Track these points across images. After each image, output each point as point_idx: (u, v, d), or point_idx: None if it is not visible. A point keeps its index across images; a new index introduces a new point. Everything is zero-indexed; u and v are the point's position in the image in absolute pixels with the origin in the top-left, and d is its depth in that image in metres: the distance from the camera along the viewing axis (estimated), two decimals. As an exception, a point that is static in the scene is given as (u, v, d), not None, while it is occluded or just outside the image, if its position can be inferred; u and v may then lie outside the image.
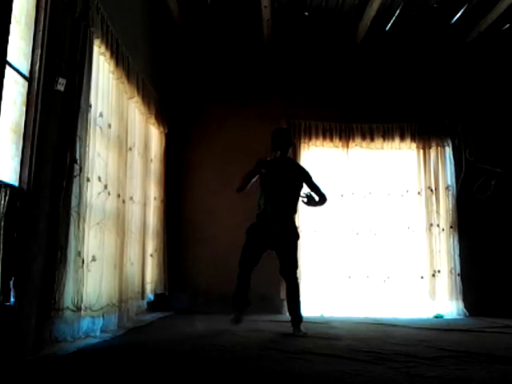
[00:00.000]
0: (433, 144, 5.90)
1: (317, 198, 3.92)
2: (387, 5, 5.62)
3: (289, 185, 3.86)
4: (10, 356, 2.48)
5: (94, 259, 3.35)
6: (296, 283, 3.77)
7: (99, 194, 3.49)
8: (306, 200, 3.88)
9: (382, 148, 5.91)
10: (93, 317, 3.32)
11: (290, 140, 4.02)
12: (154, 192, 5.22)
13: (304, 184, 3.97)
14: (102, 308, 3.42)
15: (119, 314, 3.80)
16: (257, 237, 3.81)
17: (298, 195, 3.91)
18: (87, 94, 3.30)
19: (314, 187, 3.96)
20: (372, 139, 5.90)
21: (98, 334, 3.33)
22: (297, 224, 5.55)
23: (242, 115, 5.80)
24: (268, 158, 3.83)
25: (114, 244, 3.76)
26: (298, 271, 3.86)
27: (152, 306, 5.14)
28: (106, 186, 3.61)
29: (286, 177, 3.86)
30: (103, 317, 3.48)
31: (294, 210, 3.93)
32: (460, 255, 5.67)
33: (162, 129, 5.46)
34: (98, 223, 3.45)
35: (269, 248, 3.82)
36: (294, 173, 3.94)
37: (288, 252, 3.78)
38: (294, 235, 3.86)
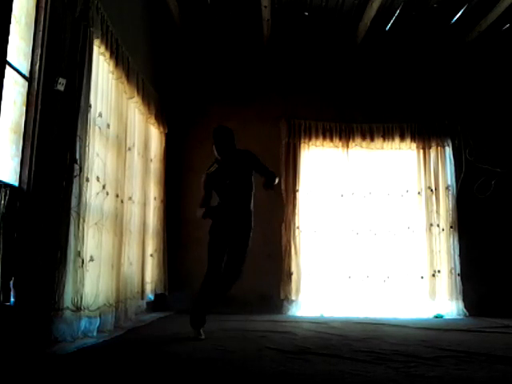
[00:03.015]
0: (433, 144, 5.90)
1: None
2: (387, 5, 5.61)
3: (238, 179, 3.63)
4: (10, 356, 2.48)
5: (91, 259, 3.35)
6: (238, 277, 3.57)
7: (97, 193, 3.49)
8: (268, 188, 3.60)
9: (382, 148, 5.91)
10: (90, 317, 3.30)
11: (231, 142, 3.64)
12: (153, 192, 5.22)
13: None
14: (99, 308, 3.41)
15: (117, 314, 3.79)
16: (221, 235, 3.61)
17: (250, 183, 3.67)
18: (87, 93, 3.30)
19: (260, 169, 3.67)
20: (372, 139, 5.90)
21: (95, 334, 3.31)
22: (298, 224, 5.62)
23: (242, 115, 5.80)
24: (212, 169, 3.65)
25: (112, 244, 3.75)
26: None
27: (152, 306, 5.14)
28: (104, 186, 3.61)
29: (234, 173, 3.63)
30: (100, 317, 3.47)
31: (250, 199, 3.67)
32: (460, 255, 5.66)
33: (161, 129, 5.46)
34: (96, 223, 3.45)
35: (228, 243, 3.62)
36: (241, 164, 3.66)
37: (242, 247, 3.59)
38: (248, 230, 3.63)
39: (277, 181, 3.70)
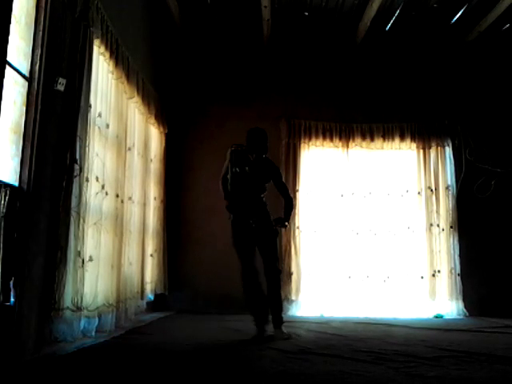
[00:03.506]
0: (433, 144, 5.90)
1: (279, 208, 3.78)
2: (387, 5, 5.61)
3: (256, 181, 3.70)
4: (9, 356, 2.48)
5: (91, 259, 3.35)
6: (277, 280, 3.63)
7: (97, 193, 3.49)
8: (278, 225, 3.74)
9: (382, 148, 5.91)
10: (88, 317, 3.30)
11: (265, 145, 3.75)
12: (153, 192, 5.22)
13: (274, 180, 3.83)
14: (97, 308, 3.41)
15: (116, 314, 3.79)
16: (241, 232, 3.68)
17: (264, 187, 3.74)
18: (87, 94, 3.30)
19: (280, 185, 3.82)
20: (372, 139, 5.90)
21: (93, 334, 3.31)
22: (298, 224, 5.62)
23: (241, 115, 5.80)
24: (239, 148, 3.70)
25: (112, 244, 3.75)
26: (279, 267, 3.75)
27: (152, 306, 5.14)
28: (103, 186, 3.60)
29: (255, 174, 3.70)
30: (100, 317, 3.47)
31: (262, 199, 3.72)
32: (460, 255, 5.66)
33: (161, 129, 5.46)
34: (95, 223, 3.45)
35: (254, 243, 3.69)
36: (264, 170, 3.75)
37: (267, 247, 3.64)
38: (271, 231, 3.68)
39: (287, 224, 3.84)
